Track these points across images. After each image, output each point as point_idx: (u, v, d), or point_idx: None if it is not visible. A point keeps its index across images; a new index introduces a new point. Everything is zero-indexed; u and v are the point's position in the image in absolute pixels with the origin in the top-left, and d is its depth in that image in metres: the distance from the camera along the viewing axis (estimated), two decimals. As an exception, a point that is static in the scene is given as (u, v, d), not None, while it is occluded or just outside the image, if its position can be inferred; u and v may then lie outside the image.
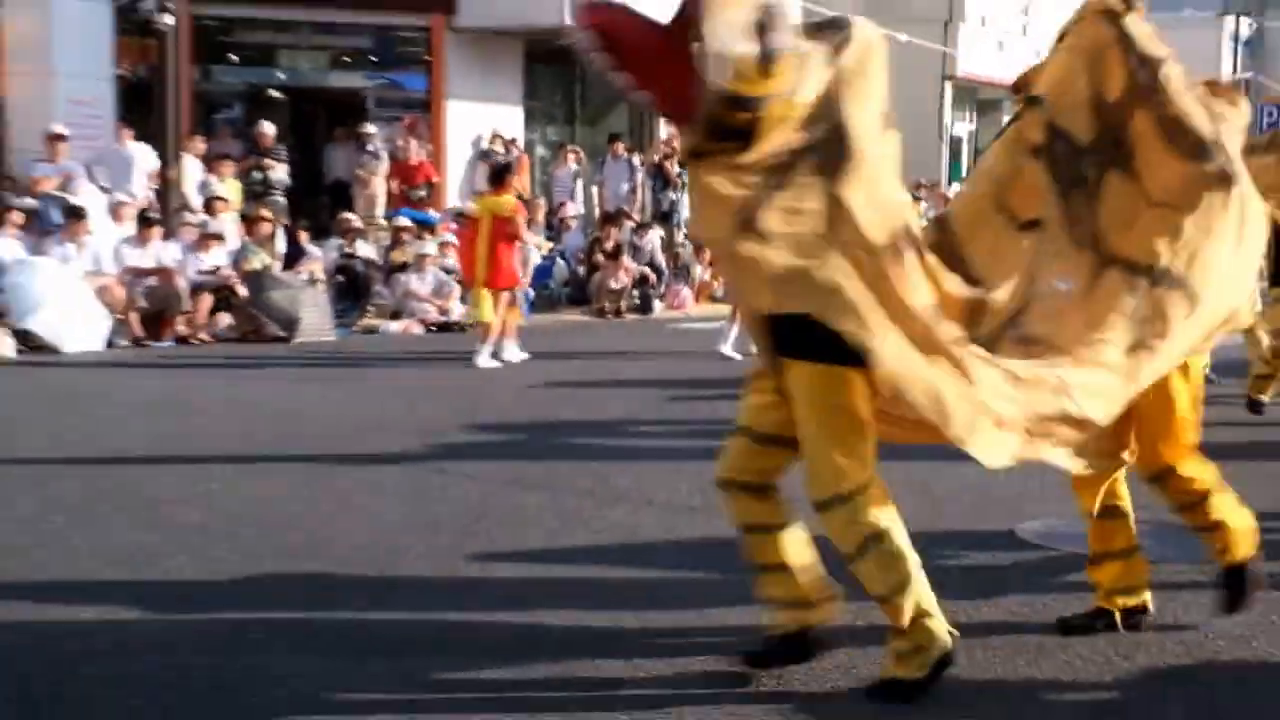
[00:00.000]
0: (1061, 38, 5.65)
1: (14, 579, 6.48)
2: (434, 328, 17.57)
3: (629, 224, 21.53)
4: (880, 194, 4.87)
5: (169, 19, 18.30)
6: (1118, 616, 5.93)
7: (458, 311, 17.91)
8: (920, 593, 4.97)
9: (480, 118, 24.13)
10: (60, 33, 22.26)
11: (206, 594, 6.36)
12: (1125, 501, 5.97)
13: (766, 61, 4.57)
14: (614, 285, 20.40)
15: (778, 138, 4.75)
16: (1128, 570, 5.95)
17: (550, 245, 21.59)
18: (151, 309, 15.55)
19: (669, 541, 7.27)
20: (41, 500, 8.03)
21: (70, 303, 14.67)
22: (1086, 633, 5.91)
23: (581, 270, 21.22)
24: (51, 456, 9.31)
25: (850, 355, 4.73)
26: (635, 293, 20.51)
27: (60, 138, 17.84)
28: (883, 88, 5.14)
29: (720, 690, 5.00)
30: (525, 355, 14.74)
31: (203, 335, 15.66)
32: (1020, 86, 5.72)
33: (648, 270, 20.78)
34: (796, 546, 5.13)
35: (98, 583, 6.44)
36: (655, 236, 21.96)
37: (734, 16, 4.55)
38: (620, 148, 23.93)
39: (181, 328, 15.61)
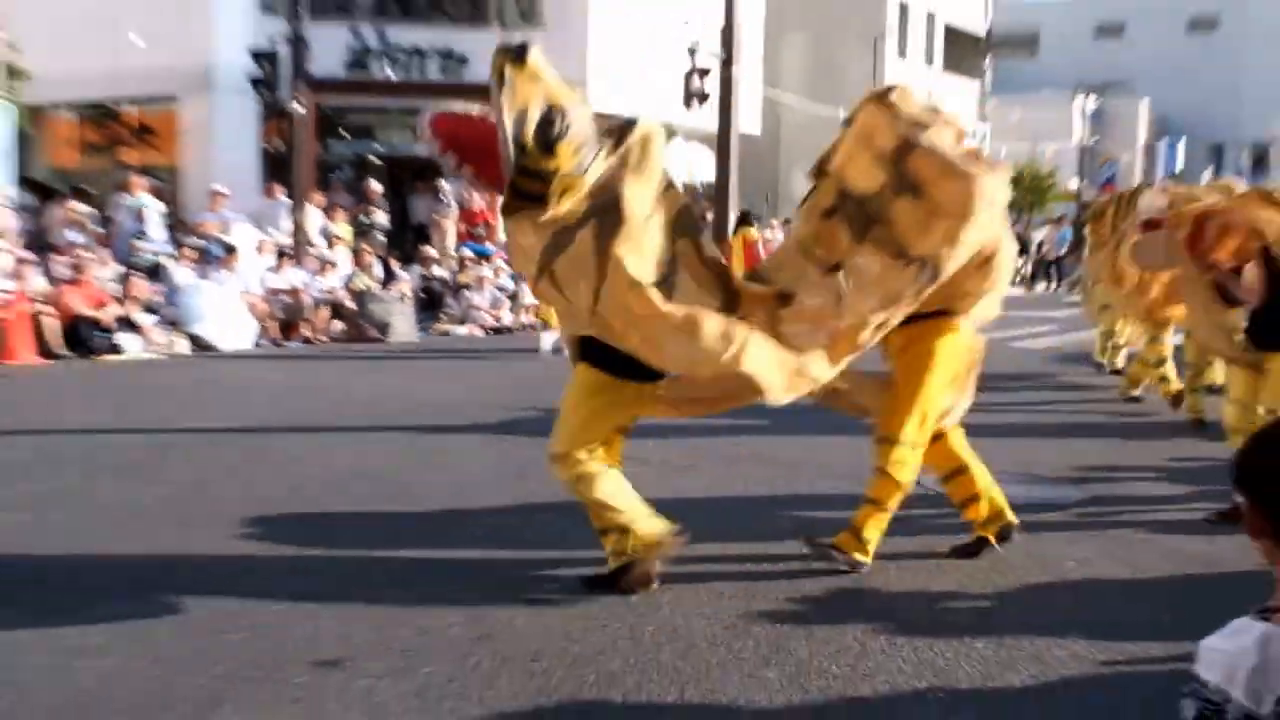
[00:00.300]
0: (849, 122, 5.68)
1: (190, 518, 6.52)
2: (491, 331, 17.66)
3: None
4: (647, 246, 5.08)
5: (299, 107, 18.44)
6: (992, 539, 5.97)
7: (508, 319, 18.06)
8: (631, 520, 5.27)
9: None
10: (220, 118, 22.45)
11: (322, 533, 6.39)
12: (964, 459, 5.98)
13: (548, 146, 4.95)
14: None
15: (567, 203, 5.03)
16: (989, 506, 5.97)
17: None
18: (284, 318, 15.66)
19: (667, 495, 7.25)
20: (204, 459, 8.09)
21: (227, 314, 14.81)
22: (972, 556, 5.96)
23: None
24: (217, 426, 9.36)
25: (623, 371, 5.17)
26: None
27: (220, 194, 17.98)
28: (660, 168, 5.42)
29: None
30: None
31: (321, 337, 15.72)
32: (819, 168, 5.68)
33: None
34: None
35: (245, 524, 6.47)
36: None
37: (521, 115, 5.01)
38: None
39: (306, 332, 15.68)
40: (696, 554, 5.82)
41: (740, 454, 8.44)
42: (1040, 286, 30.45)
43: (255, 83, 18.66)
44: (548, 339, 14.48)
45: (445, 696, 4.17)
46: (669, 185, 5.40)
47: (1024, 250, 32.57)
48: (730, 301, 5.23)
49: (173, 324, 14.50)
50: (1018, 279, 31.38)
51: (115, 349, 13.53)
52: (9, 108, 18.31)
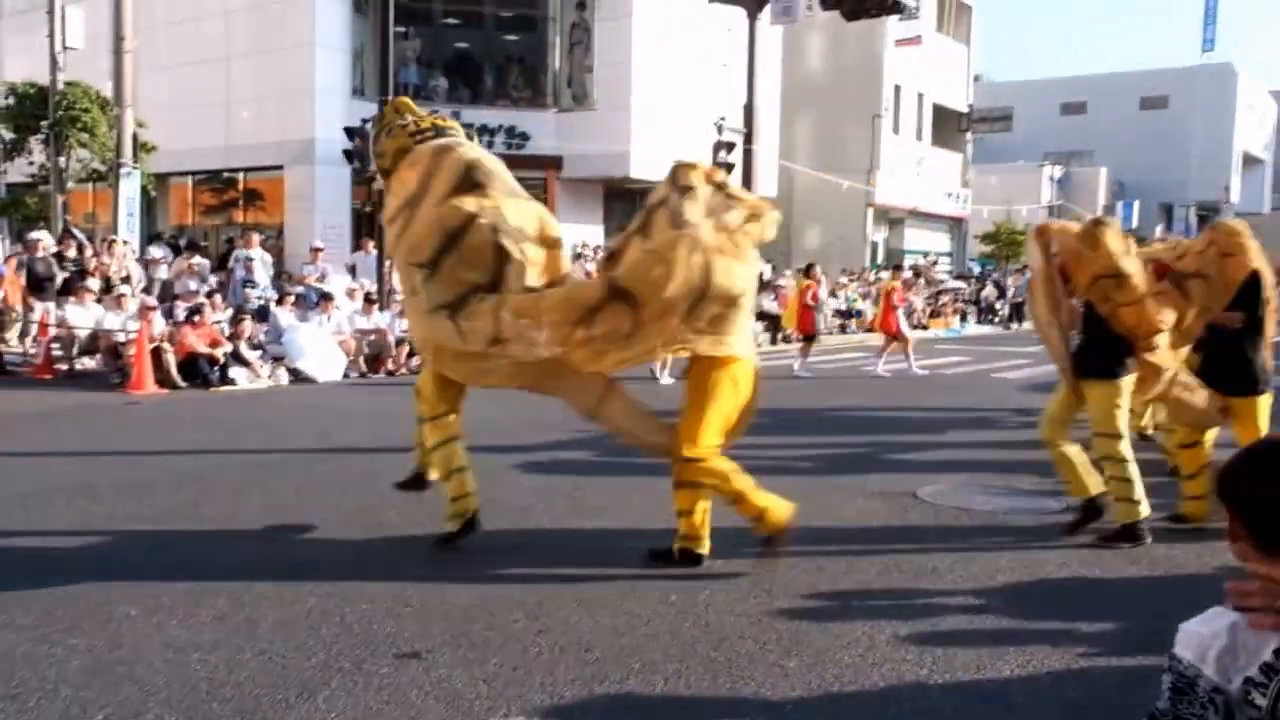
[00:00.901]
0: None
1: (287, 528, 6.51)
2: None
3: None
4: (415, 250, 5.64)
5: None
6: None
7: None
8: (458, 480, 5.88)
9: (576, 233, 24.25)
10: (320, 183, 22.73)
11: (401, 540, 6.35)
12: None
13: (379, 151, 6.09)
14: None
15: (392, 202, 5.81)
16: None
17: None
18: (371, 354, 15.68)
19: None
20: (306, 476, 8.07)
21: (323, 351, 14.85)
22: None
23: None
24: (313, 447, 9.36)
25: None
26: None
27: (318, 250, 18.12)
28: (452, 178, 5.76)
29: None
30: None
31: (403, 371, 15.70)
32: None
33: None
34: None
35: (335, 532, 6.45)
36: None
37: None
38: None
39: (389, 366, 15.70)
40: (726, 559, 5.77)
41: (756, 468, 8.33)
42: (1014, 325, 30.16)
43: (348, 154, 18.83)
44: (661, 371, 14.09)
45: (511, 683, 4.10)
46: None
47: (1002, 294, 32.39)
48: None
49: (276, 359, 14.58)
50: (996, 319, 31.14)
51: (226, 380, 13.61)
52: (135, 174, 18.55)
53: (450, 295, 5.50)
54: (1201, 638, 1.61)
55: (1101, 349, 6.34)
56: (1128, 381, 6.35)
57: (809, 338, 17.45)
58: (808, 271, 19.00)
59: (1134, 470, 6.29)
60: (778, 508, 5.61)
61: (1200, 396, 6.77)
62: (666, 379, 13.94)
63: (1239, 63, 60.85)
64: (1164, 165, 56.05)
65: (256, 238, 18.97)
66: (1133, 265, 6.30)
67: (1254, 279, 6.73)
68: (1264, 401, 6.77)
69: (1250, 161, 62.94)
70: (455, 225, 5.55)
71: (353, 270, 19.07)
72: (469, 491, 5.98)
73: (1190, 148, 57.28)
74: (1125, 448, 6.30)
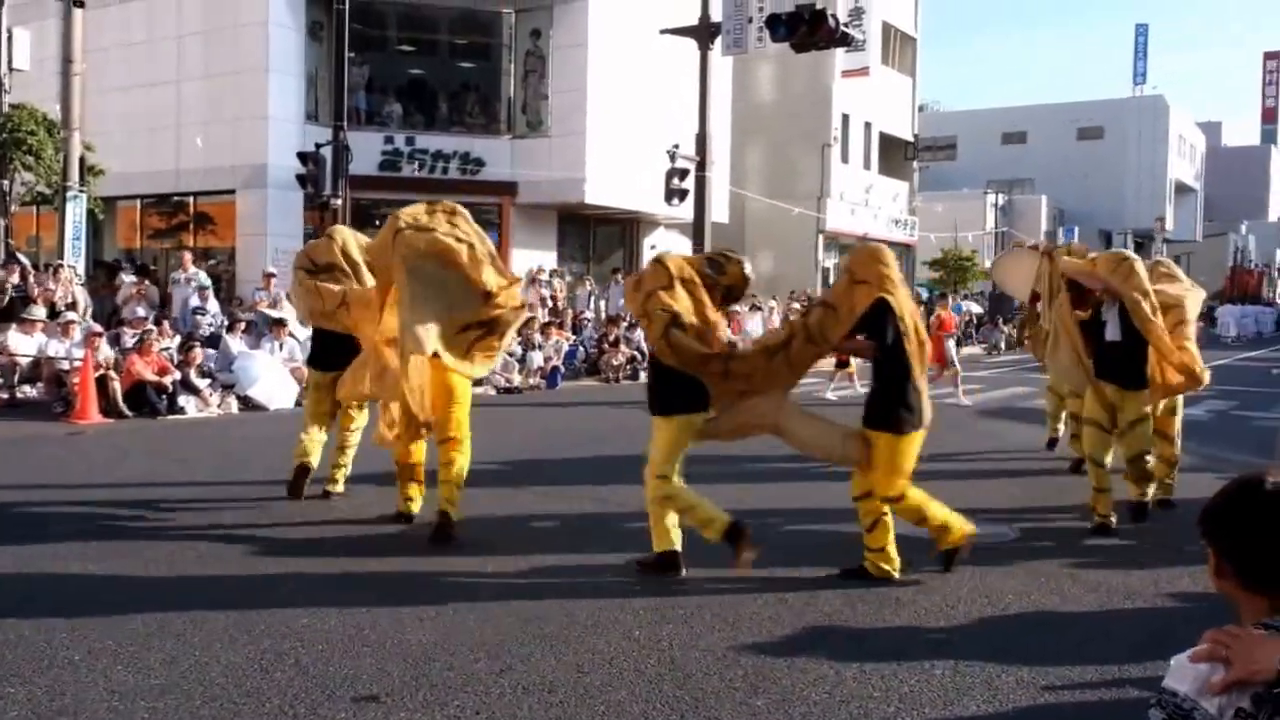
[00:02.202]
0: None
1: (236, 563, 6.30)
2: (503, 390, 17.39)
3: (624, 324, 21.40)
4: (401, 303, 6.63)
5: (337, 201, 18.38)
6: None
7: (517, 379, 17.77)
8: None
9: (531, 259, 24.24)
10: (272, 209, 22.45)
11: (357, 577, 6.15)
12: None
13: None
14: (615, 362, 20.28)
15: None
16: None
17: (574, 337, 21.45)
18: (323, 380, 15.40)
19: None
20: (258, 508, 7.83)
21: (274, 378, 14.52)
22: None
23: (595, 352, 21.07)
24: (265, 478, 9.03)
25: None
26: (629, 366, 20.32)
27: (270, 275, 17.82)
28: (419, 243, 6.66)
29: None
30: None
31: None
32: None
33: (636, 352, 20.57)
34: None
35: (288, 568, 6.24)
36: (640, 332, 21.84)
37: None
38: (619, 276, 23.83)
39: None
40: (687, 591, 5.64)
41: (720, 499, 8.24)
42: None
43: (301, 179, 18.58)
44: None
45: (472, 727, 3.94)
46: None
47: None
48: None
49: (226, 387, 14.25)
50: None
51: (175, 409, 13.27)
52: (82, 198, 18.14)
53: None
54: (1198, 670, 1.60)
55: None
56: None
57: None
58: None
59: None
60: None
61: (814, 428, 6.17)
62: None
63: (1169, 95, 62.31)
64: (1101, 193, 57.21)
65: (189, 256, 18.69)
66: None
67: (881, 306, 5.87)
68: (902, 442, 5.87)
69: (1183, 190, 64.34)
70: None
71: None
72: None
73: (1125, 176, 58.52)
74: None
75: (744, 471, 9.31)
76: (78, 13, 17.78)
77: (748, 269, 6.39)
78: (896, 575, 6.01)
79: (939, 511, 6.12)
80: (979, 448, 11.86)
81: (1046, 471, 10.28)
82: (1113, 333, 7.67)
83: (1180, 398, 8.70)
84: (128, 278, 17.79)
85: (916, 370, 5.88)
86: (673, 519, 6.03)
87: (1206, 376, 8.32)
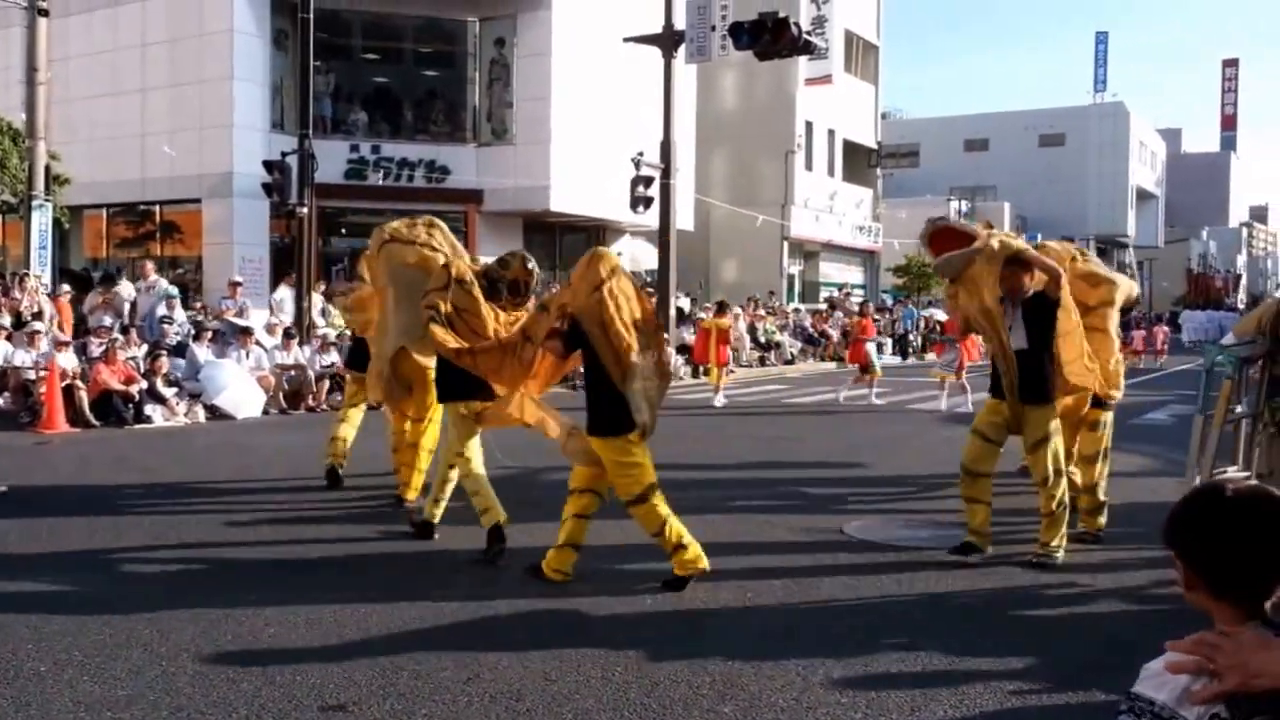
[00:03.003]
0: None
1: (203, 572, 6.22)
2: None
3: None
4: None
5: (304, 209, 18.25)
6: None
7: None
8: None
9: (497, 266, 24.18)
10: (238, 217, 22.31)
11: (323, 584, 6.11)
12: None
13: None
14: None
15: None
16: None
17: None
18: (291, 390, 15.29)
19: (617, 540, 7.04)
20: (227, 508, 7.77)
21: (241, 387, 14.40)
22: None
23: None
24: (232, 487, 9.03)
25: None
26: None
27: (236, 284, 17.70)
28: (405, 257, 7.40)
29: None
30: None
31: (322, 406, 15.35)
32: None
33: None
34: None
35: (254, 577, 6.19)
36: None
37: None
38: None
39: (310, 402, 15.33)
40: (653, 598, 5.65)
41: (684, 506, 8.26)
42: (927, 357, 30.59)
43: (267, 188, 18.46)
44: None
45: (440, 736, 3.92)
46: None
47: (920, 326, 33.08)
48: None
49: (193, 396, 14.12)
50: (911, 351, 31.56)
51: (141, 419, 13.14)
52: (48, 207, 17.94)
53: None
54: (1177, 680, 1.57)
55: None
56: None
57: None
58: (720, 309, 19.10)
59: None
60: None
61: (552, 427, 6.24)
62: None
63: (1130, 102, 63.15)
64: (1063, 199, 57.79)
65: (151, 266, 18.54)
66: None
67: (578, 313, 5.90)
68: (611, 446, 5.82)
69: (1144, 196, 65.14)
70: None
71: (269, 308, 18.56)
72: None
73: (1087, 183, 59.19)
74: None
75: (719, 480, 9.34)
76: (42, 22, 17.61)
77: (530, 264, 7.00)
78: (705, 567, 5.82)
79: (679, 533, 5.84)
80: (941, 455, 11.93)
81: (1007, 475, 10.33)
82: (1018, 340, 6.66)
83: (1108, 415, 7.84)
84: (122, 288, 17.56)
85: (615, 374, 5.71)
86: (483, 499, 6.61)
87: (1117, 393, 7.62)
